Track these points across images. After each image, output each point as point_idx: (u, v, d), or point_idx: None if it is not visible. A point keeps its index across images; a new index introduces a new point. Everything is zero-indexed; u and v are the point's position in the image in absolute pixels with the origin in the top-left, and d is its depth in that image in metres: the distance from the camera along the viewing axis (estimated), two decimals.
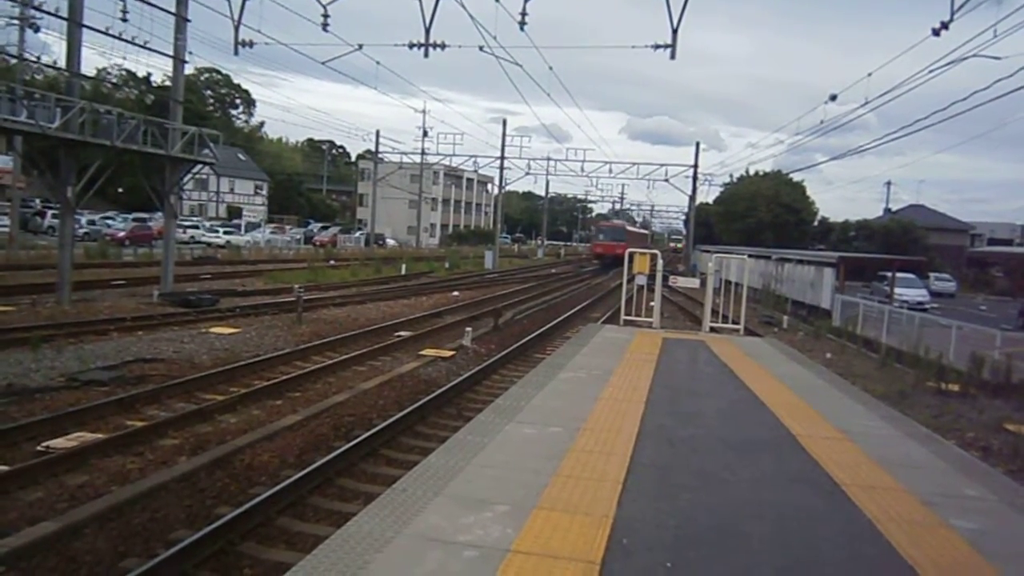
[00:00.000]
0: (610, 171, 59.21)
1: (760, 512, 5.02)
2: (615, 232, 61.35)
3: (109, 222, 50.91)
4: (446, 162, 65.68)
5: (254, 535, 6.67)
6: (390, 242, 72.54)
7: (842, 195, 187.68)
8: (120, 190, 58.75)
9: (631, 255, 16.97)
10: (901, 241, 57.87)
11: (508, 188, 69.96)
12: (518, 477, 5.37)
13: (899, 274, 34.56)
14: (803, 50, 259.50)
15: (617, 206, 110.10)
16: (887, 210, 75.21)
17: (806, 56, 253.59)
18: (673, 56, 14.44)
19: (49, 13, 20.00)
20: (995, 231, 76.81)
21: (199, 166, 25.51)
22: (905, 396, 14.33)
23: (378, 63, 25.57)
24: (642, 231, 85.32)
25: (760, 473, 5.88)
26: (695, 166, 55.22)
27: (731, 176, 76.63)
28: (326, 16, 15.63)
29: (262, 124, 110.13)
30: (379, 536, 4.20)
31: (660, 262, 16.84)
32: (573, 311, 25.12)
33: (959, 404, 14.06)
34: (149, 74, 70.47)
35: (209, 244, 50.09)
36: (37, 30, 31.07)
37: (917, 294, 35.68)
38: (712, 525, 4.74)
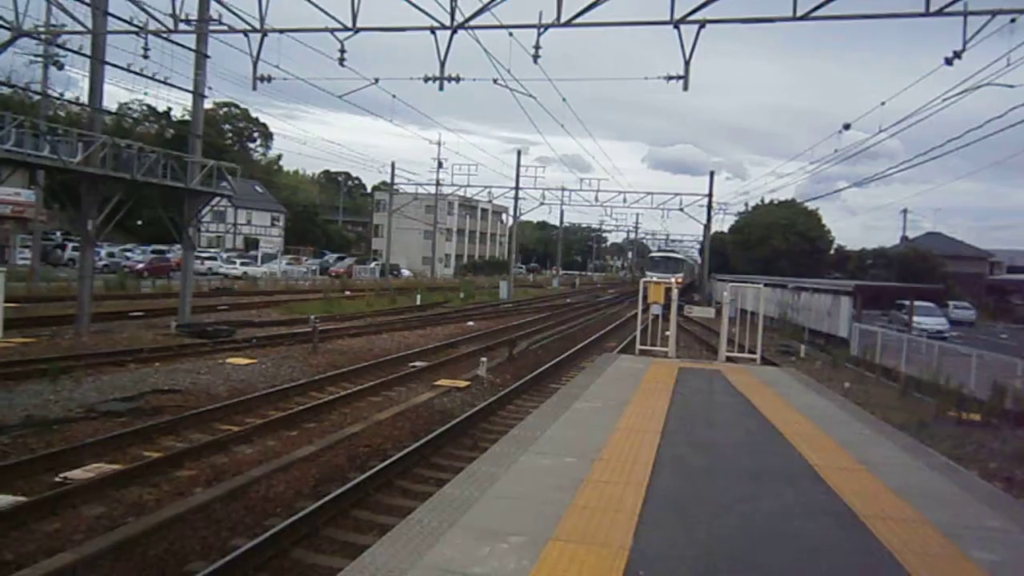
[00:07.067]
0: (624, 200, 59.06)
1: (779, 544, 4.96)
2: None
3: (128, 254, 51.48)
4: (461, 193, 66.04)
5: (269, 567, 6.65)
6: (405, 272, 72.85)
7: (862, 223, 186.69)
8: (139, 222, 59.41)
9: (646, 284, 17.04)
10: (918, 269, 57.42)
11: (523, 218, 70.30)
12: (534, 508, 5.34)
13: (917, 302, 34.30)
14: (826, 77, 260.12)
15: (631, 235, 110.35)
16: (904, 238, 74.76)
17: (829, 84, 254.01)
18: (686, 88, 14.48)
19: (73, 51, 20.43)
20: (1014, 259, 75.99)
21: (217, 198, 25.82)
22: (925, 426, 14.15)
23: (394, 96, 25.87)
24: None
25: (778, 504, 5.82)
26: (709, 195, 55.23)
27: (746, 205, 76.53)
28: (343, 51, 15.84)
29: (279, 157, 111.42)
30: (394, 568, 4.18)
31: (675, 292, 16.82)
32: (588, 341, 25.06)
33: (981, 434, 13.86)
34: (169, 108, 71.72)
35: (226, 275, 50.44)
36: (61, 67, 31.56)
37: (936, 322, 35.30)
38: (730, 557, 4.69)
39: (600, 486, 5.93)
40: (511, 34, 15.10)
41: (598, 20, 14.37)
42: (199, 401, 13.00)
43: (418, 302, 39.48)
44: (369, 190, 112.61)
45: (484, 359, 18.05)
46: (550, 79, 20.31)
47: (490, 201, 75.75)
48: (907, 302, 34.55)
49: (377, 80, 18.61)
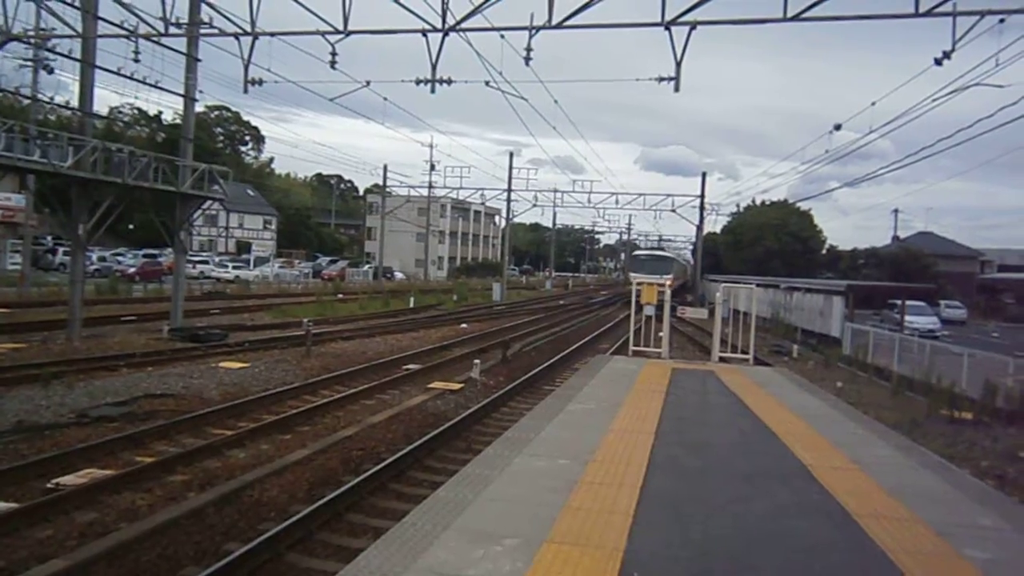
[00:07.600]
0: (616, 202, 59.17)
1: (773, 544, 4.97)
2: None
3: (120, 258, 51.27)
4: (453, 195, 66.08)
5: (263, 571, 6.63)
6: (398, 275, 72.73)
7: (854, 223, 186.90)
8: (131, 227, 59.21)
9: (638, 286, 17.09)
10: (910, 269, 57.63)
11: (515, 220, 70.24)
12: (528, 510, 5.34)
13: (909, 302, 34.43)
14: (817, 78, 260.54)
15: (624, 237, 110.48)
16: (895, 238, 75.08)
17: (820, 84, 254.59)
18: (677, 89, 14.53)
19: (63, 55, 20.39)
20: (1005, 257, 76.36)
21: (209, 202, 25.75)
22: (917, 425, 14.21)
23: (386, 99, 25.93)
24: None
25: (772, 504, 5.83)
26: (702, 196, 55.45)
27: (738, 205, 76.61)
28: (334, 54, 15.85)
29: (271, 160, 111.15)
30: (388, 571, 4.17)
31: (668, 292, 16.86)
32: (582, 342, 25.08)
33: (973, 432, 13.92)
34: (160, 112, 71.36)
35: (218, 279, 50.29)
36: (51, 71, 31.58)
37: (928, 322, 35.44)
38: (724, 557, 4.69)
39: (594, 487, 5.93)
40: (503, 36, 15.14)
41: (589, 22, 14.43)
42: (192, 405, 12.95)
43: (411, 305, 39.43)
44: (361, 193, 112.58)
45: (477, 361, 18.05)
46: (542, 81, 20.38)
47: (483, 203, 75.89)
48: (899, 301, 34.67)
49: (369, 83, 18.63)
